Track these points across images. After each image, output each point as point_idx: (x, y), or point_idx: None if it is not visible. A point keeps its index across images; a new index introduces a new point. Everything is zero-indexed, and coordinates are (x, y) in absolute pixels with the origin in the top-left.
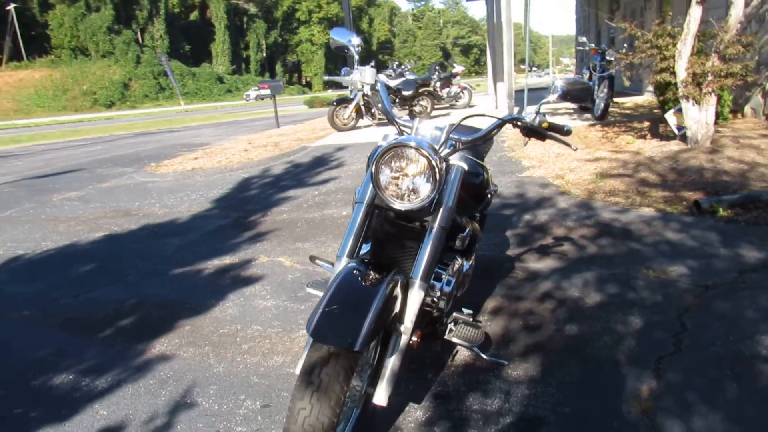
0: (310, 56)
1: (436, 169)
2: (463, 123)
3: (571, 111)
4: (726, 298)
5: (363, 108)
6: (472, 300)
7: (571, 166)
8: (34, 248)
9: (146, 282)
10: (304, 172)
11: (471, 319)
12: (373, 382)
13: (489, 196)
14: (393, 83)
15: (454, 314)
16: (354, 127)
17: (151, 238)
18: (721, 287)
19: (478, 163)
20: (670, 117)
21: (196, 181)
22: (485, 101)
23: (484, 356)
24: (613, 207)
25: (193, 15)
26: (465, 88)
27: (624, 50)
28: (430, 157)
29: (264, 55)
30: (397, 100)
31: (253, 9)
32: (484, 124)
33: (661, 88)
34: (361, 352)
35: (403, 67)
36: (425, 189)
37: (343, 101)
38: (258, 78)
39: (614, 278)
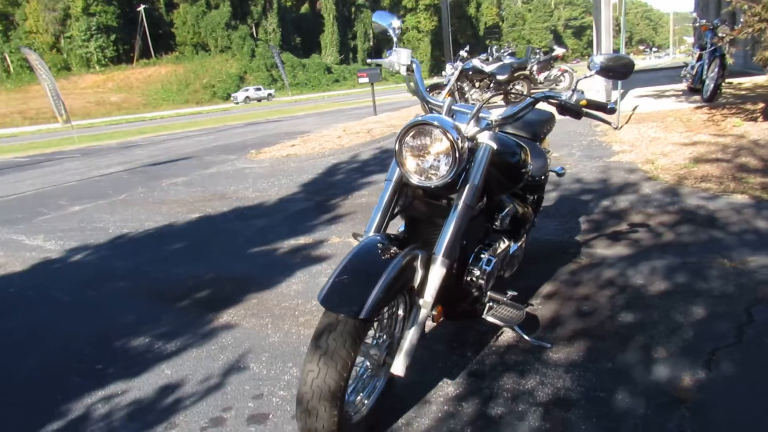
0: (416, 43)
1: (457, 148)
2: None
3: (679, 93)
4: None
5: (456, 94)
6: (527, 283)
7: (664, 150)
8: (137, 227)
9: (226, 259)
10: (389, 158)
11: (513, 300)
12: (391, 352)
13: (542, 177)
14: (488, 68)
15: (492, 294)
16: None
17: (239, 220)
18: None
19: (518, 143)
20: None
21: (288, 167)
22: (588, 84)
23: (527, 338)
24: (701, 193)
25: (304, 8)
26: (566, 71)
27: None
28: (451, 136)
29: (371, 44)
30: (491, 84)
31: None
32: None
33: None
34: (368, 320)
35: (502, 51)
36: (445, 167)
37: (436, 87)
38: (365, 67)
39: (685, 267)
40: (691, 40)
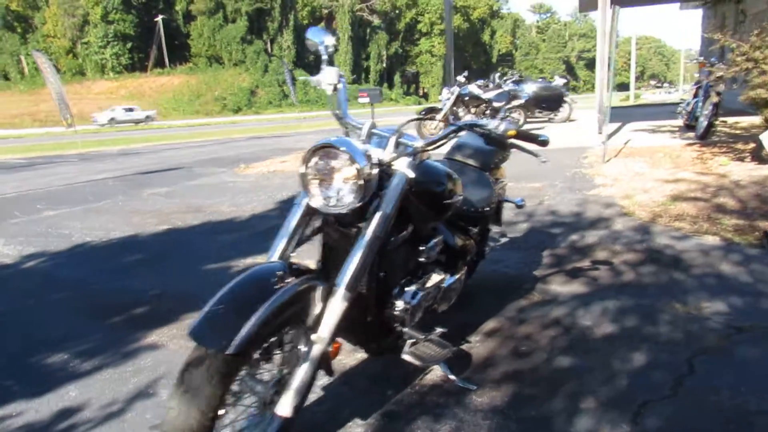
0: (429, 67)
1: (362, 175)
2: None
3: (676, 129)
4: (757, 343)
5: (451, 119)
6: (471, 319)
7: (646, 186)
8: (102, 237)
9: (177, 275)
10: None
11: (441, 338)
12: (281, 390)
13: (485, 208)
14: (487, 95)
15: (409, 330)
16: None
17: (206, 234)
18: (757, 331)
19: (447, 172)
20: (766, 138)
21: (272, 183)
22: (590, 116)
23: (453, 377)
24: (673, 233)
25: (320, 26)
26: (564, 102)
27: None
28: (357, 162)
29: (384, 65)
30: (487, 111)
31: (376, 21)
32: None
33: (760, 106)
34: (239, 356)
35: (505, 78)
36: (349, 195)
37: (431, 111)
38: (366, 87)
39: (638, 310)
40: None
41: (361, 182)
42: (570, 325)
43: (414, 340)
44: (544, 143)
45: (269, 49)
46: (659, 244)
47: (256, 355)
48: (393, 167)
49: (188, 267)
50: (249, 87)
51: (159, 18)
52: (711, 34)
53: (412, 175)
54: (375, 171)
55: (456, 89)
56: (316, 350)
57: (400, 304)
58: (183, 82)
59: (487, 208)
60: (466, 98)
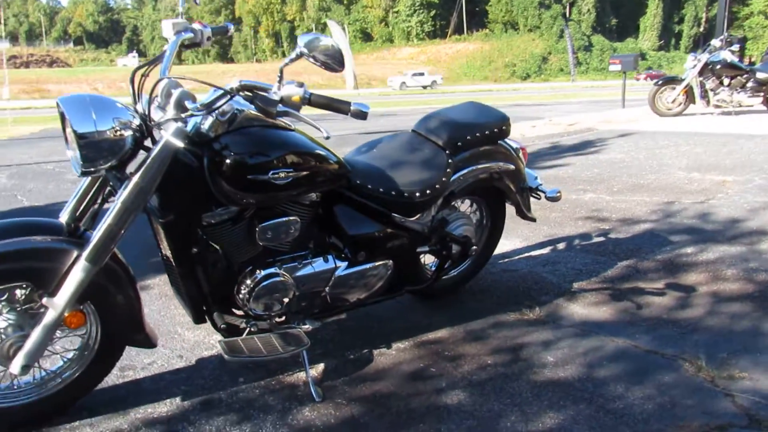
0: (760, 31)
1: (83, 139)
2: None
3: None
4: None
5: (696, 91)
6: (430, 321)
7: None
8: None
9: None
10: (545, 154)
11: (303, 334)
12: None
13: (416, 194)
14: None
15: (226, 318)
16: (680, 114)
17: None
18: None
19: (287, 143)
20: None
21: None
22: None
23: (308, 379)
24: None
25: None
26: None
27: None
28: (69, 122)
29: (701, 30)
30: (748, 84)
31: None
32: None
33: None
34: None
35: None
36: (79, 158)
37: (670, 81)
38: (685, 56)
39: (638, 359)
40: None
41: (81, 145)
42: (525, 357)
43: (252, 328)
44: (359, 115)
45: (567, 14)
46: None
47: None
48: (162, 129)
49: None
50: (541, 53)
51: None
52: None
53: (179, 143)
54: (126, 133)
55: (705, 56)
56: (49, 316)
57: (246, 285)
58: (477, 48)
59: (418, 194)
60: (718, 67)
